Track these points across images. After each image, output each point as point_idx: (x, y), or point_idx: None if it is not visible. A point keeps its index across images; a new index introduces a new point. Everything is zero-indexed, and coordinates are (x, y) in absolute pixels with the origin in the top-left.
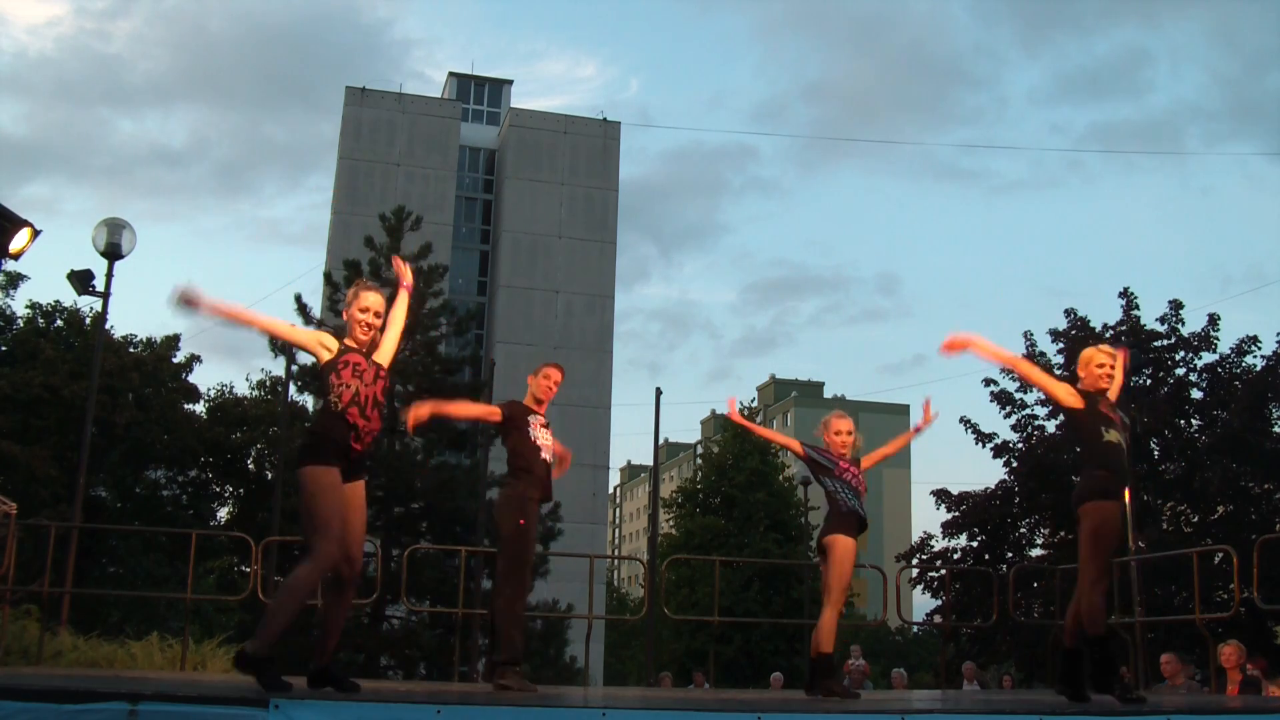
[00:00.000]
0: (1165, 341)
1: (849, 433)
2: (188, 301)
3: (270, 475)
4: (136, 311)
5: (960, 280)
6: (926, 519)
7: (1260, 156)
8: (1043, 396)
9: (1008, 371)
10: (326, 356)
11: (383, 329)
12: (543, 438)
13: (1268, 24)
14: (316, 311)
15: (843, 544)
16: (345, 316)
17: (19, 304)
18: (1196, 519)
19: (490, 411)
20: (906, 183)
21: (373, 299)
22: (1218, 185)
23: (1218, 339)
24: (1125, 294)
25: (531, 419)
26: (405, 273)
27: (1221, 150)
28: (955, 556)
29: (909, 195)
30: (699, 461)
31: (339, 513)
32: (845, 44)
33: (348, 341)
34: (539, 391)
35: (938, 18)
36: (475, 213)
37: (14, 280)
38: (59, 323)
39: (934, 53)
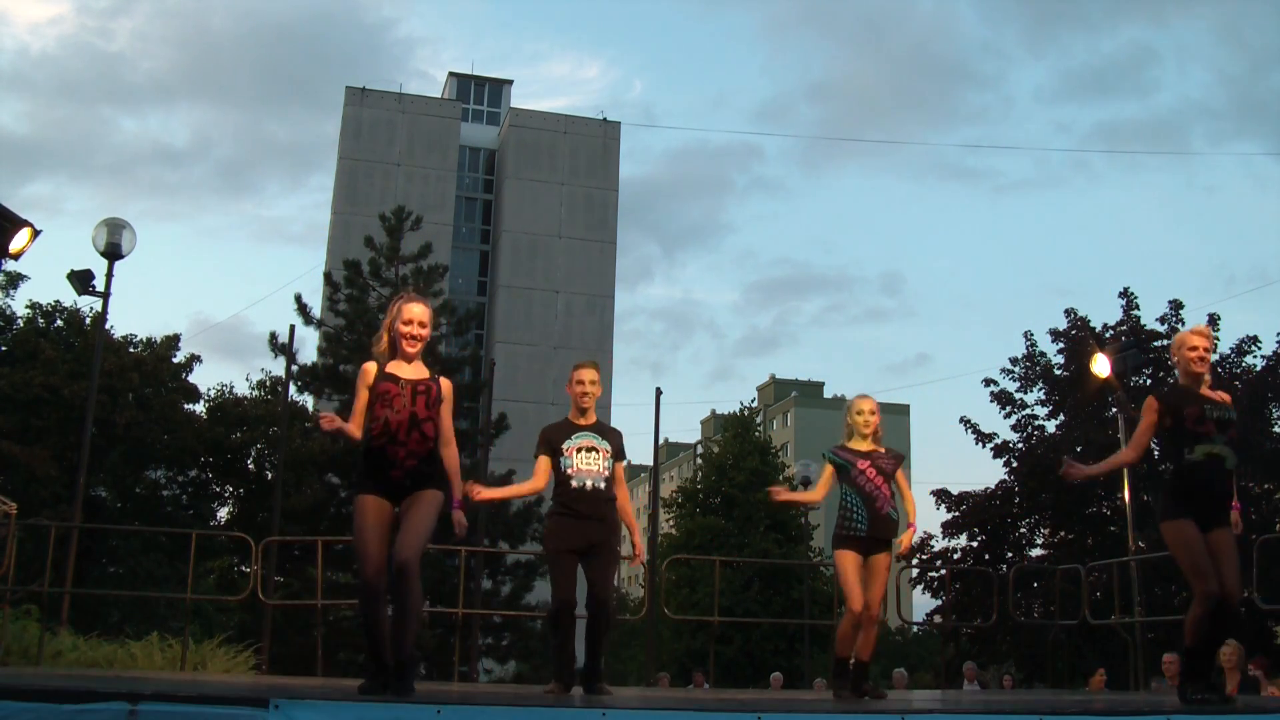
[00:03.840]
0: (1165, 341)
1: (871, 412)
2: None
3: (270, 475)
4: (136, 311)
5: (964, 280)
6: (927, 519)
7: (1266, 156)
8: (1042, 396)
9: (1008, 371)
10: (366, 391)
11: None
12: (580, 462)
13: (1275, 23)
14: (316, 311)
15: (838, 559)
16: (389, 333)
17: (19, 304)
18: None
19: (536, 482)
20: (911, 182)
21: (416, 310)
22: (1223, 184)
23: (1218, 339)
24: (1125, 294)
25: (568, 444)
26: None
27: (1227, 149)
28: (955, 556)
29: (913, 194)
30: (699, 461)
31: (371, 537)
32: (850, 43)
33: (390, 369)
34: (576, 399)
35: (943, 16)
36: (475, 213)
37: (14, 280)
38: (59, 323)
39: (939, 52)
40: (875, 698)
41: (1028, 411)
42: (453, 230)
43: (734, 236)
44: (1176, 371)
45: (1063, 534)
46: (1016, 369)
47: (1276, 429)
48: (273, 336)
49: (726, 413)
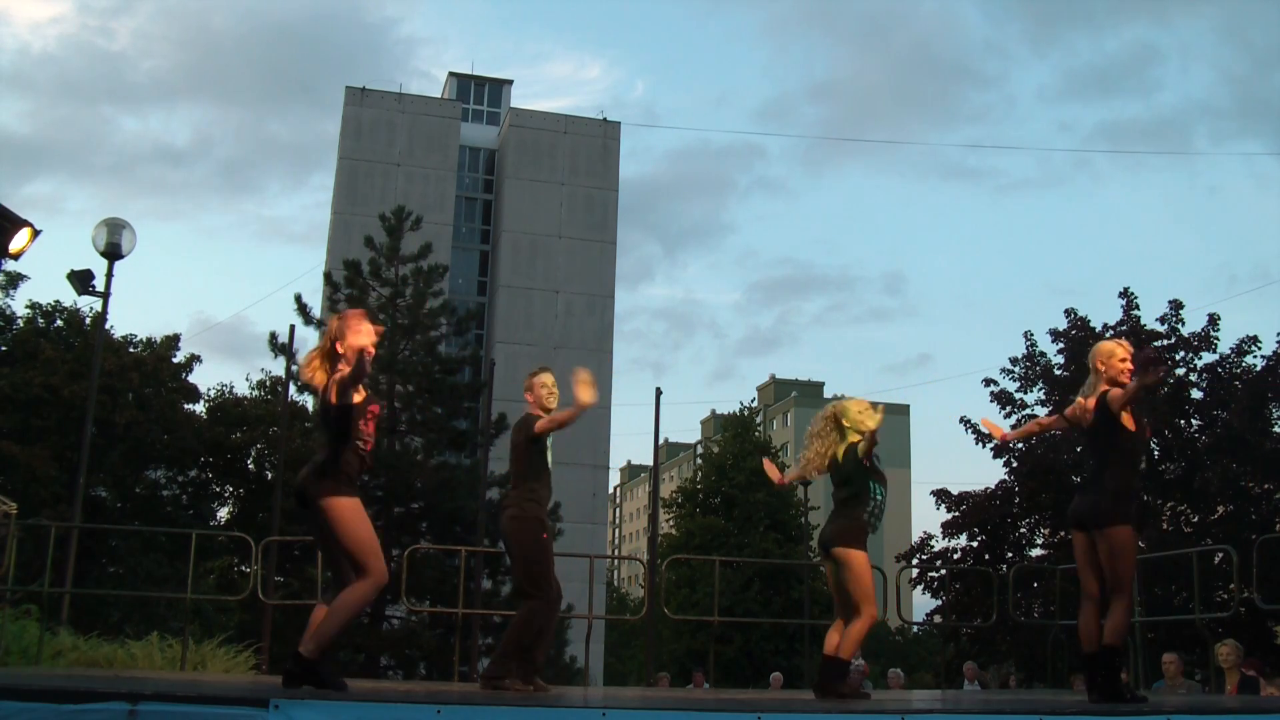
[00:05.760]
0: (1165, 341)
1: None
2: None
3: (270, 475)
4: (136, 311)
5: (966, 279)
6: (926, 519)
7: (1268, 156)
8: (1042, 397)
9: (1008, 371)
10: (358, 399)
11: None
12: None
13: (1278, 22)
14: (317, 311)
15: (862, 560)
16: (349, 347)
17: (19, 304)
18: (1196, 519)
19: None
20: (913, 182)
21: (375, 328)
22: (1225, 184)
23: (1218, 339)
24: (1125, 294)
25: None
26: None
27: (1229, 149)
28: (955, 556)
29: (915, 194)
30: (699, 461)
31: (374, 534)
32: (853, 43)
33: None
34: (545, 401)
35: (947, 15)
36: (475, 213)
37: (14, 280)
38: (59, 323)
39: (942, 51)
40: (860, 697)
41: (1028, 411)
42: (453, 230)
43: (735, 236)
44: (1092, 379)
45: (1063, 534)
46: (1017, 369)
47: (1276, 429)
48: (273, 336)
49: (727, 413)
